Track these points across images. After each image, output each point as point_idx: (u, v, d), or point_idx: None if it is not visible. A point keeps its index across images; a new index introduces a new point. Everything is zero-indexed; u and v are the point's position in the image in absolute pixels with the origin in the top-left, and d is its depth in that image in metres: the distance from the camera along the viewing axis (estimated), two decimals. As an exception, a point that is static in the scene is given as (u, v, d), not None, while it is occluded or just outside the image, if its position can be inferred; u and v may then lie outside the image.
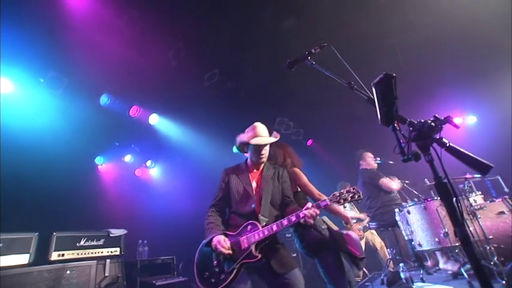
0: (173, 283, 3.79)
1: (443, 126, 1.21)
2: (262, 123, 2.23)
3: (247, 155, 2.19)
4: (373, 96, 1.28)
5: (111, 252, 3.58)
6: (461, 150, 1.17)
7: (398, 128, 1.24)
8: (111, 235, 3.62)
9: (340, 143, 6.94)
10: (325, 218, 2.36)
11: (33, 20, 3.59)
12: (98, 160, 5.88)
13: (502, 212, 3.18)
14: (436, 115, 1.19)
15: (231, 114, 5.44)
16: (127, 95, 5.21)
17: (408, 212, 3.33)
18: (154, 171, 6.77)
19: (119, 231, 3.71)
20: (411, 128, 1.22)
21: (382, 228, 3.86)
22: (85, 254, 3.22)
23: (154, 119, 5.56)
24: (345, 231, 2.30)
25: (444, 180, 1.16)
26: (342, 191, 1.76)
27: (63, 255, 2.98)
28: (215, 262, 1.83)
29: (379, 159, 4.22)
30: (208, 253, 1.88)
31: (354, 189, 1.75)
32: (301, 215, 1.74)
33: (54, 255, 2.93)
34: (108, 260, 3.44)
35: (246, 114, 5.24)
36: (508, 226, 3.09)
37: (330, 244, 2.19)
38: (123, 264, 3.59)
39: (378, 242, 4.74)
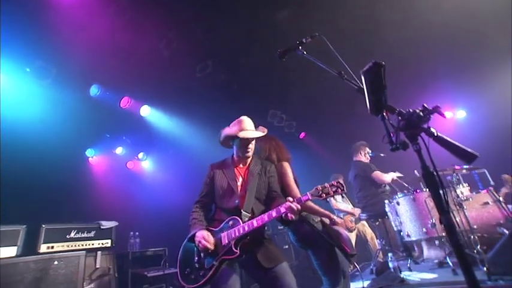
0: (165, 274, 3.79)
1: (431, 116, 1.22)
2: (255, 115, 2.19)
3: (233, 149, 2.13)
4: (363, 85, 1.29)
5: (102, 244, 3.56)
6: (449, 139, 1.18)
7: (387, 118, 1.26)
8: (102, 227, 3.60)
9: (332, 136, 6.99)
10: None
11: (17, 7, 3.47)
12: (89, 152, 5.80)
13: (486, 203, 3.27)
14: (425, 104, 1.20)
15: (224, 106, 5.40)
16: (117, 86, 5.12)
17: (398, 204, 3.39)
18: (146, 164, 6.73)
19: (110, 223, 3.69)
20: (400, 117, 1.23)
21: (372, 219, 3.93)
22: (75, 246, 3.18)
23: (145, 111, 5.49)
24: (336, 227, 2.28)
25: (431, 170, 1.18)
26: (325, 184, 1.71)
27: (52, 247, 2.94)
28: (196, 258, 1.81)
29: (370, 152, 4.27)
30: (190, 249, 1.87)
31: (337, 183, 1.71)
32: (282, 210, 1.71)
33: (43, 248, 2.88)
34: (99, 252, 3.42)
35: (239, 106, 5.21)
36: (491, 216, 3.18)
37: (323, 237, 2.18)
38: (114, 256, 3.58)
39: (368, 233, 4.83)
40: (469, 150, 1.13)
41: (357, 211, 4.46)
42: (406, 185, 4.00)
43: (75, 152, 5.47)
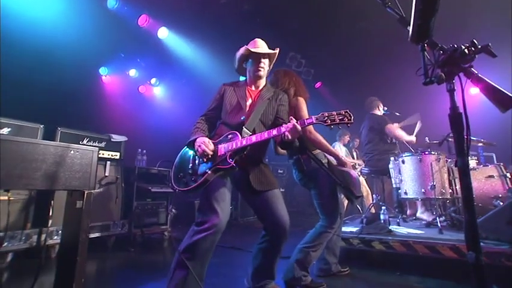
0: (167, 192, 4.05)
1: (477, 55, 1.14)
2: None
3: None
4: (406, 13, 1.17)
5: (112, 155, 3.74)
6: (489, 81, 1.11)
7: (426, 50, 1.17)
8: (112, 139, 3.74)
9: (348, 92, 6.79)
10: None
11: None
12: (102, 71, 5.75)
13: (491, 176, 3.28)
14: (474, 40, 1.10)
15: (244, 39, 5.10)
16: (137, 2, 4.84)
17: (403, 162, 3.42)
18: (158, 90, 6.70)
19: (119, 137, 3.82)
20: (441, 52, 1.15)
21: (373, 174, 4.00)
22: (87, 152, 3.36)
23: (163, 33, 5.27)
24: (345, 169, 2.29)
25: (459, 111, 1.14)
26: (332, 112, 1.64)
27: (66, 149, 3.13)
28: (191, 164, 1.82)
29: (385, 108, 4.16)
30: (187, 155, 1.88)
31: (346, 112, 1.63)
32: (283, 129, 1.67)
33: (58, 148, 3.08)
34: (108, 162, 3.62)
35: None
36: (492, 189, 3.22)
37: (328, 177, 2.23)
38: (122, 168, 3.79)
39: (365, 189, 5.00)
40: (509, 94, 1.07)
41: (358, 167, 4.55)
42: (413, 150, 3.97)
43: (89, 67, 5.42)
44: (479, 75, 1.13)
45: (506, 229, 2.24)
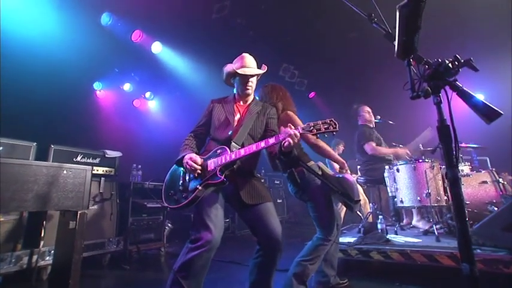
0: (162, 207, 4.01)
1: (460, 69, 1.17)
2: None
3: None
4: (392, 28, 1.21)
5: (106, 171, 3.71)
6: (473, 95, 1.14)
7: (412, 65, 1.20)
8: (106, 155, 3.71)
9: (342, 100, 6.87)
10: (321, 164, 2.38)
11: None
12: (97, 86, 5.77)
13: (484, 182, 3.31)
14: (457, 55, 1.14)
15: (237, 52, 5.21)
16: (130, 17, 4.91)
17: (397, 170, 3.44)
18: (152, 104, 6.71)
19: (114, 153, 3.79)
20: (427, 66, 1.18)
21: (369, 183, 4.01)
22: (81, 169, 3.33)
23: (157, 48, 5.32)
24: (341, 175, 2.30)
25: (447, 123, 1.16)
26: (318, 121, 1.65)
27: (60, 167, 3.11)
28: (181, 181, 1.82)
29: (379, 117, 4.19)
30: (177, 172, 1.88)
31: (331, 121, 1.64)
32: (271, 141, 1.66)
33: (52, 166, 3.05)
34: (103, 178, 3.59)
35: (252, 54, 5.04)
36: (486, 194, 3.24)
37: (323, 189, 2.23)
38: (117, 184, 3.75)
39: (362, 198, 4.98)
40: (493, 107, 1.10)
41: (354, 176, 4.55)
42: (408, 158, 4.00)
43: (83, 83, 5.43)
44: (464, 88, 1.17)
45: (502, 235, 2.25)
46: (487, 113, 1.11)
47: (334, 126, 1.63)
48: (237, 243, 4.92)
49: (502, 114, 1.09)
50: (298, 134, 1.64)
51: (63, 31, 4.34)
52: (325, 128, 1.63)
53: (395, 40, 1.20)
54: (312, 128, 1.65)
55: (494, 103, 1.13)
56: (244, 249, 4.35)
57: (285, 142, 1.65)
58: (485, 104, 1.11)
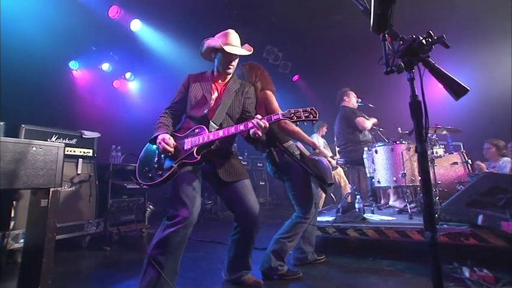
0: (143, 188, 3.96)
1: (433, 46, 1.19)
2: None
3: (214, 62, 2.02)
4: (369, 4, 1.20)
5: (84, 152, 3.59)
6: (444, 72, 1.17)
7: (387, 41, 1.21)
8: (84, 136, 3.59)
9: (326, 85, 6.89)
10: (299, 144, 2.41)
11: None
12: (73, 65, 5.51)
13: (455, 163, 3.49)
14: (430, 31, 1.15)
15: (220, 31, 5.09)
16: (106, -9, 4.65)
17: (376, 152, 3.54)
18: (133, 85, 6.51)
19: (92, 134, 3.67)
20: (401, 42, 1.19)
21: (348, 165, 4.12)
22: (56, 149, 3.21)
23: (136, 25, 5.10)
24: (316, 157, 2.37)
25: (419, 99, 1.19)
26: (299, 109, 1.68)
27: (32, 148, 2.97)
28: (156, 158, 1.80)
29: (360, 100, 4.27)
30: (152, 150, 1.86)
31: (311, 109, 1.67)
32: (250, 125, 1.68)
33: (23, 146, 2.91)
34: (80, 160, 3.49)
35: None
36: (456, 175, 3.44)
37: (301, 168, 2.26)
38: (95, 166, 3.66)
39: (342, 180, 5.13)
40: (461, 83, 1.13)
41: (334, 161, 4.64)
42: (386, 140, 4.12)
43: (58, 62, 5.18)
44: (436, 65, 1.19)
45: (466, 211, 2.39)
46: (456, 89, 1.14)
47: (315, 115, 1.65)
48: (219, 225, 4.98)
49: (469, 90, 1.13)
50: (265, 125, 1.66)
51: (34, 6, 4.08)
52: (305, 116, 1.65)
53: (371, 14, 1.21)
54: (292, 115, 1.66)
55: (472, 88, 1.16)
56: (226, 230, 4.37)
57: (254, 131, 1.67)
58: (454, 80, 1.14)
